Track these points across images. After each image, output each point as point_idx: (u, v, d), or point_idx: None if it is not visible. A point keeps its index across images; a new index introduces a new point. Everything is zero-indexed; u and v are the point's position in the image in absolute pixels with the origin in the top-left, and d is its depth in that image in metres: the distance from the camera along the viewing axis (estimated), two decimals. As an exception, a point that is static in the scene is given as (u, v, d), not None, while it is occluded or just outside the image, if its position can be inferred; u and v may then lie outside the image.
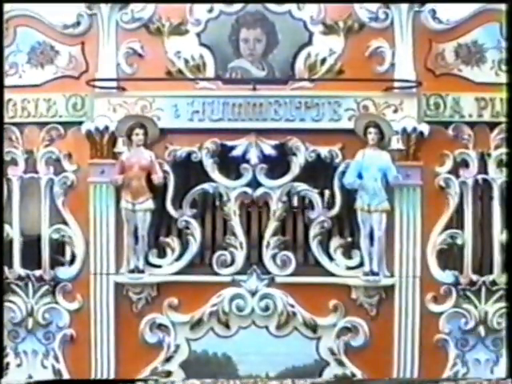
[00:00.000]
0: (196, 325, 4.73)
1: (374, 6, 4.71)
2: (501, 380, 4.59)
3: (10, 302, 4.78)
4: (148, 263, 4.72)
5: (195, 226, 4.70)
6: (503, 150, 4.68)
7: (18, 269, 4.77)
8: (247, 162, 4.68)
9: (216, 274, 4.71)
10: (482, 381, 4.63)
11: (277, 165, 4.71)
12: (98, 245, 4.72)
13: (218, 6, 4.75)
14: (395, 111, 4.66)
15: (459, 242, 4.68)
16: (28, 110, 4.76)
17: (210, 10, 4.76)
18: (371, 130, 4.58)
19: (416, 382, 4.67)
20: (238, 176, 4.72)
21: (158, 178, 4.63)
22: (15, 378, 4.76)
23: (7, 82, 4.74)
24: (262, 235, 4.71)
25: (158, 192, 4.70)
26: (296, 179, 4.69)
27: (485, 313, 4.70)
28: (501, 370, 4.68)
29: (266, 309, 4.71)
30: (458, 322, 4.70)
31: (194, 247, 4.72)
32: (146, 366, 4.74)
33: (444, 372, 4.72)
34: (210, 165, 4.69)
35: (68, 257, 4.81)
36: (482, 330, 4.70)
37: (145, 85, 4.70)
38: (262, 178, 4.68)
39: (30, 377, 4.78)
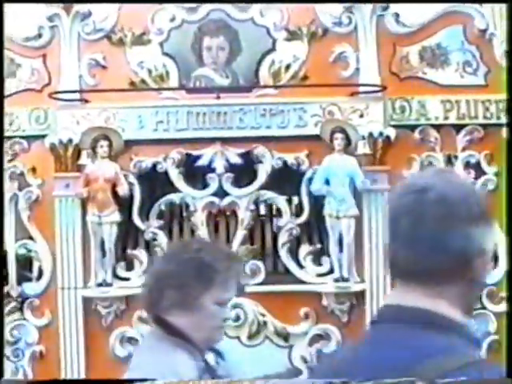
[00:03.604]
0: (166, 337, 4.68)
1: (337, 11, 4.69)
2: (501, 380, 4.54)
3: (-23, 319, 4.72)
4: (116, 276, 4.67)
5: (163, 238, 4.65)
6: (470, 151, 4.68)
7: (-17, 286, 4.71)
8: (213, 171, 4.65)
9: (185, 285, 4.66)
10: (482, 381, 4.58)
11: (243, 173, 4.69)
12: (64, 259, 4.66)
13: (180, 15, 4.72)
14: (361, 116, 4.64)
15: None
16: (-11, 125, 4.71)
17: (173, 19, 4.73)
18: (337, 135, 4.56)
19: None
20: (205, 185, 4.68)
21: (123, 189, 4.59)
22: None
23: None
24: (230, 244, 4.67)
25: (124, 204, 4.66)
26: (263, 187, 4.66)
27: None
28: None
29: (237, 319, 4.66)
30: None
31: (162, 259, 4.67)
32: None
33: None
34: (175, 175, 4.65)
35: (35, 272, 4.75)
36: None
37: (108, 96, 4.65)
38: (228, 187, 4.65)
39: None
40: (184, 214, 4.75)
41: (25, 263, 4.77)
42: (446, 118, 4.68)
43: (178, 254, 2.13)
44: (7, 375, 4.71)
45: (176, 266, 2.06)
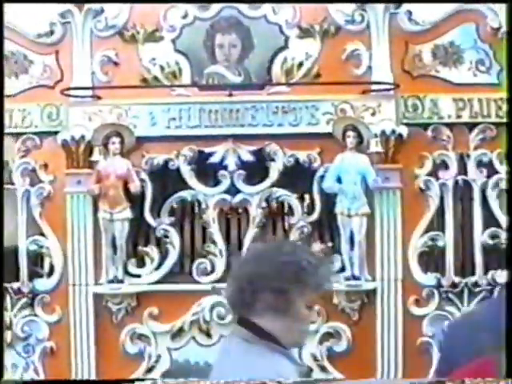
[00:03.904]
0: (177, 334, 4.68)
1: (349, 9, 4.68)
2: (501, 380, 4.54)
3: (-12, 315, 4.73)
4: (127, 273, 4.67)
5: (174, 235, 4.65)
6: (482, 150, 4.66)
7: (-5, 282, 4.72)
8: (225, 168, 4.64)
9: (196, 282, 4.66)
10: (482, 381, 4.58)
11: (255, 171, 4.68)
12: (76, 255, 4.66)
13: (192, 12, 4.72)
14: (373, 114, 4.63)
15: (440, 244, 4.65)
16: (3, 121, 4.72)
17: (185, 16, 4.72)
18: (349, 133, 4.55)
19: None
20: (216, 183, 4.67)
21: (135, 186, 4.59)
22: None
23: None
24: (241, 242, 4.67)
25: (135, 201, 4.65)
26: (275, 185, 4.65)
27: (468, 315, 4.67)
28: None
29: (247, 316, 4.66)
30: (442, 324, 4.64)
31: (173, 256, 4.67)
32: (128, 377, 4.68)
33: (428, 375, 4.68)
34: (187, 172, 4.65)
35: (46, 268, 4.76)
36: (465, 332, 4.66)
37: (120, 93, 4.65)
38: (240, 185, 4.64)
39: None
40: (195, 211, 4.74)
41: (36, 259, 4.78)
42: (459, 116, 4.66)
43: (272, 257, 2.05)
44: (19, 371, 4.74)
45: (272, 268, 2.00)
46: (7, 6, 4.60)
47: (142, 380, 4.60)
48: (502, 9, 4.63)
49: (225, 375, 2.00)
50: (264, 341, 2.00)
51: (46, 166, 4.73)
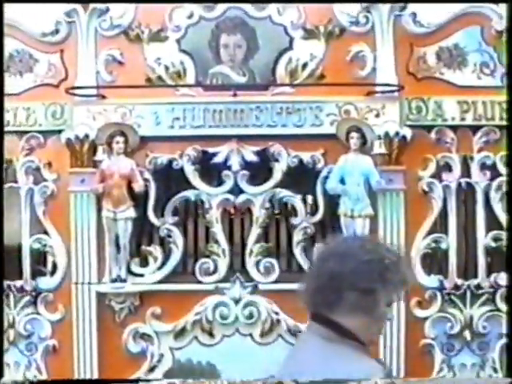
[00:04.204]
0: (179, 334, 4.69)
1: (354, 10, 4.69)
2: (501, 380, 4.57)
3: (-9, 313, 4.74)
4: (130, 272, 4.67)
5: (177, 234, 4.66)
6: (486, 153, 4.67)
7: (-2, 279, 4.73)
8: (229, 168, 4.65)
9: (199, 282, 4.67)
10: (482, 381, 4.60)
11: (259, 171, 4.68)
12: (79, 254, 4.67)
13: (197, 12, 4.72)
14: (377, 115, 4.63)
15: (443, 246, 4.65)
16: (7, 119, 4.71)
17: (190, 16, 4.73)
18: (353, 134, 4.56)
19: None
20: (220, 183, 4.68)
21: (138, 186, 4.59)
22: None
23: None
24: (244, 242, 4.67)
25: (139, 200, 4.66)
26: (278, 185, 4.66)
27: (470, 317, 4.67)
28: (486, 374, 4.66)
29: (250, 316, 4.67)
30: (444, 326, 4.67)
31: (176, 255, 4.68)
32: (130, 376, 4.69)
33: (431, 377, 4.69)
34: (191, 172, 4.66)
35: (49, 267, 4.76)
36: (467, 334, 4.67)
37: (125, 92, 4.65)
38: (243, 185, 4.65)
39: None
40: (199, 211, 4.74)
41: (39, 258, 4.78)
42: (463, 118, 4.67)
43: (355, 254, 1.98)
44: (21, 369, 4.74)
45: (357, 267, 1.95)
46: (7, 6, 4.61)
47: (146, 381, 4.62)
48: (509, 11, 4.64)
49: (300, 373, 1.95)
50: (346, 339, 1.96)
51: (49, 164, 4.74)
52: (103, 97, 4.67)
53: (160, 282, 4.68)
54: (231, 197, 4.66)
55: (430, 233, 4.65)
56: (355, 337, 1.96)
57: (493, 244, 4.63)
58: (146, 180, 4.63)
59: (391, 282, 1.98)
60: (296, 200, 4.67)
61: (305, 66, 4.69)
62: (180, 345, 4.71)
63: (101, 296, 4.68)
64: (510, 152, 4.57)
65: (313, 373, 1.89)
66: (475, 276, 4.66)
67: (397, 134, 4.60)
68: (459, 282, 4.65)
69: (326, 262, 2.02)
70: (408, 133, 4.61)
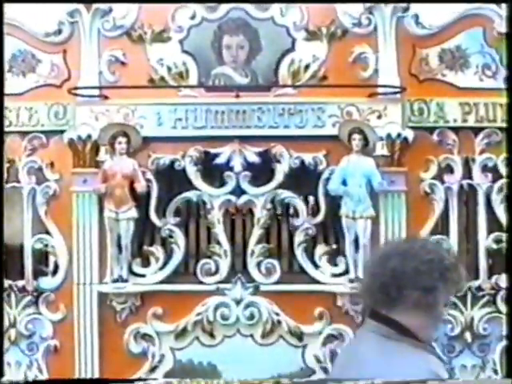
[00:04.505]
0: (181, 334, 4.69)
1: (357, 12, 4.69)
2: (501, 381, 4.58)
3: (-8, 313, 4.75)
4: (132, 272, 4.67)
5: (179, 235, 4.66)
6: (488, 155, 4.68)
7: (0, 279, 4.73)
8: (231, 169, 4.65)
9: (200, 282, 4.67)
10: (482, 381, 4.61)
11: (261, 172, 4.68)
12: (81, 254, 4.67)
13: (200, 13, 4.73)
14: (379, 117, 4.63)
15: (445, 247, 4.65)
16: (9, 119, 4.72)
17: (193, 17, 4.73)
18: (355, 136, 4.56)
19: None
20: (222, 184, 4.68)
21: (141, 186, 4.60)
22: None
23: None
24: (246, 243, 4.67)
25: (141, 201, 4.66)
26: (280, 186, 4.66)
27: (471, 318, 4.68)
28: (487, 376, 4.67)
29: (251, 317, 4.67)
30: (445, 328, 4.67)
31: (178, 256, 4.68)
32: (131, 376, 4.70)
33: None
34: (193, 173, 4.66)
35: (51, 267, 4.77)
36: (468, 335, 4.68)
37: (127, 93, 4.65)
38: (245, 186, 4.65)
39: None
40: (201, 211, 4.74)
41: (41, 258, 4.78)
42: (465, 120, 4.67)
43: (418, 254, 2.04)
44: (22, 369, 4.75)
45: (419, 265, 1.99)
46: (7, 6, 4.62)
47: (143, 380, 4.62)
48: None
49: (360, 371, 1.95)
50: (406, 338, 1.97)
51: (52, 164, 4.74)
52: (106, 97, 4.67)
53: (161, 282, 4.67)
54: (233, 198, 4.66)
55: (431, 234, 4.64)
56: (414, 335, 1.97)
57: (494, 246, 4.63)
58: (148, 180, 4.64)
59: (451, 281, 2.01)
60: (298, 201, 4.68)
61: (307, 67, 4.69)
62: (181, 345, 4.71)
63: (102, 296, 4.68)
64: (511, 154, 4.58)
65: (374, 370, 1.89)
66: (476, 278, 4.66)
67: (399, 135, 4.60)
68: (460, 283, 4.65)
69: (388, 262, 2.05)
70: (410, 134, 4.62)
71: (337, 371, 2.07)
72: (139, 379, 4.59)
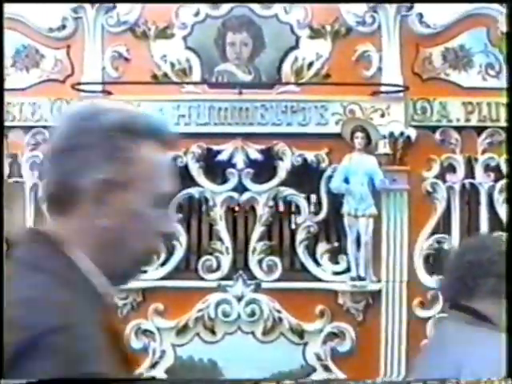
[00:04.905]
0: (182, 330, 4.69)
1: (361, 10, 4.70)
2: (501, 380, 4.56)
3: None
4: (133, 268, 4.67)
5: (181, 231, 4.66)
6: (490, 154, 4.68)
7: (2, 274, 4.72)
8: (233, 166, 4.66)
9: (202, 279, 4.67)
10: (482, 381, 4.59)
11: (263, 169, 4.69)
12: (83, 250, 4.67)
13: (204, 10, 4.73)
14: (382, 115, 4.64)
15: (446, 246, 4.65)
16: (13, 114, 4.72)
17: (196, 14, 4.74)
18: (358, 134, 4.56)
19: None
20: (224, 181, 4.69)
21: (143, 182, 4.59)
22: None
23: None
24: (248, 240, 4.68)
25: (143, 197, 4.66)
26: (282, 184, 4.67)
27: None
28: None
29: (252, 314, 4.67)
30: (445, 327, 4.66)
31: (179, 252, 4.69)
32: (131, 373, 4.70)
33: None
34: (195, 169, 4.67)
35: (53, 262, 4.77)
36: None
37: (130, 89, 4.65)
38: (248, 183, 4.66)
39: None
40: (203, 208, 4.75)
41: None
42: (468, 120, 4.68)
43: (492, 245, 2.27)
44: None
45: (492, 256, 2.18)
46: (7, 7, 4.61)
47: (141, 379, 4.61)
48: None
49: (444, 356, 2.13)
50: (484, 323, 2.16)
51: (54, 160, 4.73)
52: (109, 93, 4.67)
53: (163, 278, 4.68)
54: (235, 194, 4.67)
55: (433, 233, 4.65)
56: (491, 320, 2.17)
57: (496, 245, 4.63)
58: (150, 177, 4.63)
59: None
60: (300, 199, 4.68)
61: (310, 65, 4.69)
62: (182, 341, 4.72)
63: (104, 292, 4.68)
64: (511, 155, 4.57)
65: (460, 352, 2.08)
66: (478, 277, 4.65)
67: (401, 134, 4.60)
68: (461, 282, 4.65)
69: (464, 256, 2.26)
70: (413, 133, 4.62)
71: (428, 360, 2.25)
72: (140, 378, 4.59)
